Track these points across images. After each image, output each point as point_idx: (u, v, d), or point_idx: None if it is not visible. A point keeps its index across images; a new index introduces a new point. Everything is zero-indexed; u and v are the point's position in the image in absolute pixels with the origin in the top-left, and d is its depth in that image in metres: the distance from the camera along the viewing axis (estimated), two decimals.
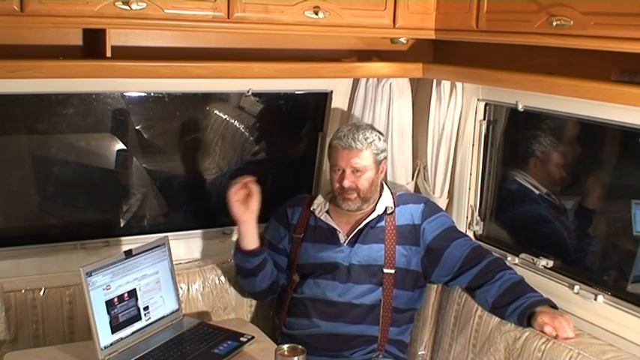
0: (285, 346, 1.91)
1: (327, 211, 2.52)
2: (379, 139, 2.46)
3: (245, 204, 2.40)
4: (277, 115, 2.94)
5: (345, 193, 2.42)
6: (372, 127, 2.51)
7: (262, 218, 2.67)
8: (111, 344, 2.03)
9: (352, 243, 2.46)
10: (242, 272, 2.51)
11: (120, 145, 2.66)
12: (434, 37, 2.47)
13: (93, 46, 2.21)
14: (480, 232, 2.75)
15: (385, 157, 2.49)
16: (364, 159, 2.41)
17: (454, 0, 2.35)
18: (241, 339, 2.17)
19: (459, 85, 2.62)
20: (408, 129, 2.81)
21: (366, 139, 2.41)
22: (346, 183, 2.40)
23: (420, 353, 2.60)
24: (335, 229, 2.48)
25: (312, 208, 2.53)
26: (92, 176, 2.66)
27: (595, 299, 2.21)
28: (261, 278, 2.49)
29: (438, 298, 2.58)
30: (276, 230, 2.59)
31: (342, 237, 2.48)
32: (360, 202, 2.44)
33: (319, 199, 2.55)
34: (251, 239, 2.44)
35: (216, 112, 2.83)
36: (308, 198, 2.62)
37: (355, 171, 2.40)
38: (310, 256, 2.50)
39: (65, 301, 2.36)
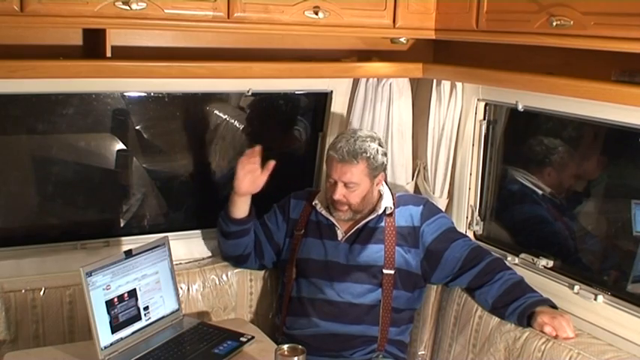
0: (285, 346, 1.91)
1: (328, 207, 2.52)
2: (377, 151, 2.39)
3: (252, 179, 2.40)
4: (277, 115, 2.94)
5: (336, 205, 2.42)
6: (372, 137, 2.41)
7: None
8: (111, 344, 2.03)
9: (350, 242, 2.46)
10: (219, 229, 2.56)
11: (120, 145, 2.65)
12: (434, 37, 2.46)
13: (93, 46, 2.21)
14: (480, 232, 2.74)
15: (383, 170, 2.45)
16: (356, 175, 2.37)
17: (454, 0, 2.35)
18: (241, 339, 2.17)
19: (459, 85, 2.62)
20: (408, 129, 2.81)
21: (362, 152, 2.35)
22: (336, 196, 2.39)
23: (420, 353, 2.60)
24: (334, 225, 2.48)
25: (313, 203, 2.54)
26: (92, 176, 2.66)
27: (595, 299, 2.21)
28: (234, 244, 2.53)
29: (438, 298, 2.58)
30: (274, 219, 2.60)
31: (340, 233, 2.48)
32: (351, 213, 2.44)
33: (321, 196, 2.55)
34: (240, 210, 2.47)
35: (216, 112, 2.82)
36: (313, 193, 2.62)
37: (347, 185, 2.39)
38: (308, 251, 2.50)
39: (65, 301, 2.36)
